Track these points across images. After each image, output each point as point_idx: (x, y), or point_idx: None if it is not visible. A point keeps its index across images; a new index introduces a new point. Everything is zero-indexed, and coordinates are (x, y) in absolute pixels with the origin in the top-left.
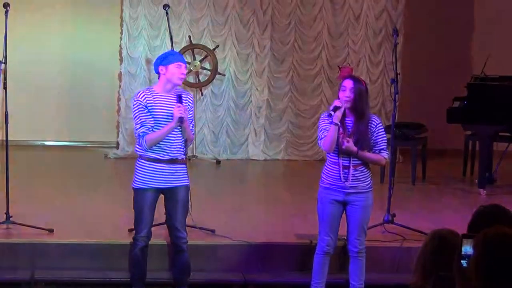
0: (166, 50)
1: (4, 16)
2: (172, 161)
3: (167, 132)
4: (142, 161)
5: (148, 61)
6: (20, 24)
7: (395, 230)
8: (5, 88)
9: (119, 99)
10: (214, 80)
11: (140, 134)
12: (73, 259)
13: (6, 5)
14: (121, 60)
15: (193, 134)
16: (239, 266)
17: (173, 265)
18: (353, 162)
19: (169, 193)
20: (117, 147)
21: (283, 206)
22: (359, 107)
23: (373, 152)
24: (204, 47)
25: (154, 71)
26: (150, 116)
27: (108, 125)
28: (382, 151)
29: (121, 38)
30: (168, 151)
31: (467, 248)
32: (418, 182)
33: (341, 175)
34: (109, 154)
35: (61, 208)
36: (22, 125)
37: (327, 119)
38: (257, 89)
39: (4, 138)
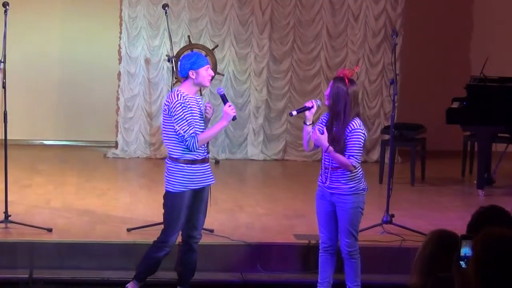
0: (166, 50)
1: (4, 15)
2: (204, 160)
3: (219, 131)
4: (181, 164)
5: (147, 61)
6: (19, 23)
7: (394, 231)
8: (4, 87)
9: (118, 99)
10: (213, 80)
11: (192, 135)
12: (72, 259)
13: (5, 4)
14: (120, 59)
15: None
16: (238, 266)
17: (181, 264)
18: (333, 163)
19: (199, 192)
20: (116, 146)
21: (282, 206)
22: (335, 107)
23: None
24: (203, 47)
25: (180, 74)
26: (191, 117)
27: (107, 124)
28: (350, 156)
29: (120, 38)
30: (201, 151)
31: (466, 249)
32: (417, 183)
33: (323, 176)
34: (108, 154)
35: (60, 207)
36: (21, 124)
37: (322, 118)
38: (256, 89)
39: (3, 138)
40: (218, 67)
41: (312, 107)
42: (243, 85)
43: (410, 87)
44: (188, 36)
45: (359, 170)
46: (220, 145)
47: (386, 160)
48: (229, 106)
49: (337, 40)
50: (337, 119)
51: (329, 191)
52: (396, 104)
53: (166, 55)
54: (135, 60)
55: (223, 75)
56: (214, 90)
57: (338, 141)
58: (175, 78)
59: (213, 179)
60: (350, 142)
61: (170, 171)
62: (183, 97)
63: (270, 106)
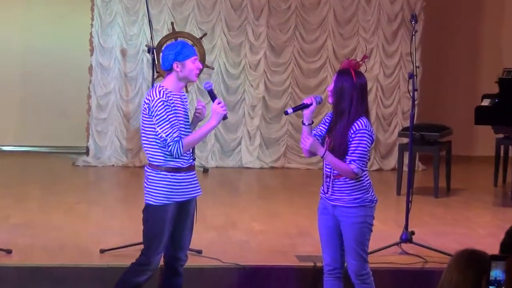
0: (146, 39)
1: None
2: (190, 168)
3: (208, 134)
4: (163, 173)
5: (123, 52)
6: None
7: (414, 251)
8: None
9: (89, 97)
10: (201, 75)
11: (175, 139)
12: (35, 285)
13: None
14: (91, 50)
15: None
16: None
17: None
18: (334, 171)
19: (185, 206)
20: (87, 153)
21: (282, 222)
22: (339, 105)
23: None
24: (189, 36)
25: (162, 67)
26: (175, 118)
27: (76, 127)
28: (352, 162)
29: (91, 25)
30: (187, 158)
31: (498, 272)
32: (441, 194)
33: (324, 185)
34: (77, 162)
35: (21, 224)
36: None
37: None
38: (251, 84)
39: None
40: (206, 59)
41: (311, 104)
42: (236, 80)
43: (433, 81)
44: (172, 23)
45: (366, 178)
46: (209, 150)
47: (405, 168)
48: (219, 103)
49: (346, 27)
50: (341, 119)
51: (331, 203)
52: (416, 102)
53: (146, 45)
54: (109, 51)
55: (213, 68)
56: (201, 86)
57: (340, 145)
58: (157, 72)
59: (199, 190)
60: (353, 145)
61: (150, 181)
62: (166, 94)
63: (268, 104)
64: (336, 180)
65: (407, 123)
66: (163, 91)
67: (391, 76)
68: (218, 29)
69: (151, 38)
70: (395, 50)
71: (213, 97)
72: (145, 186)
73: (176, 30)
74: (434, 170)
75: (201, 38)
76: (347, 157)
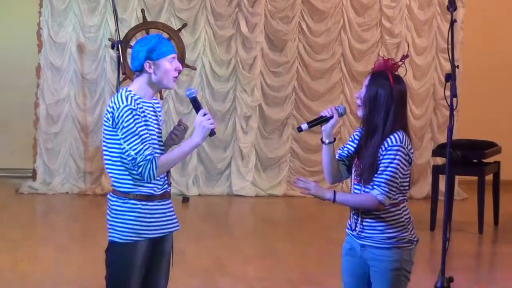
0: (109, 32)
1: None
2: (164, 195)
3: (189, 153)
4: (132, 201)
5: (80, 48)
6: None
7: None
8: None
9: (36, 105)
10: (180, 76)
11: (147, 157)
12: None
13: None
14: (40, 46)
15: None
16: None
17: None
18: None
19: (159, 244)
20: (34, 177)
21: (284, 266)
22: (372, 118)
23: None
24: (164, 27)
25: (132, 67)
26: (147, 131)
27: (20, 144)
28: (375, 187)
29: (40, 13)
30: (161, 182)
31: None
32: (487, 230)
33: (351, 220)
34: (21, 188)
35: None
36: None
37: (352, 135)
38: (244, 89)
39: None
40: (187, 56)
41: (332, 117)
42: (225, 84)
43: (476, 85)
44: (142, 11)
45: (404, 212)
46: (190, 174)
47: (441, 196)
48: (204, 114)
49: (365, 15)
50: (373, 136)
51: (360, 241)
52: (455, 111)
53: (109, 39)
54: (62, 46)
55: (195, 68)
56: (180, 92)
57: (369, 168)
58: (123, 74)
59: (177, 224)
60: (381, 165)
61: (115, 212)
62: (135, 100)
63: (266, 115)
64: (366, 214)
65: (442, 139)
66: (131, 96)
67: (422, 79)
68: (202, 18)
69: (116, 30)
70: (427, 46)
71: (197, 107)
72: (109, 219)
73: (148, 19)
74: (479, 199)
75: (179, 30)
76: (373, 180)
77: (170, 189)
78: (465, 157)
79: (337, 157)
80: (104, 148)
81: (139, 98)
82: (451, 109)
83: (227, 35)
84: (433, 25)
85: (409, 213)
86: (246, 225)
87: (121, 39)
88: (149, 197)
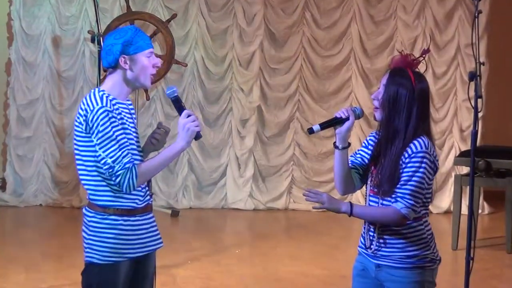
0: (89, 23)
1: None
2: (146, 209)
3: (172, 160)
4: (113, 217)
5: (56, 42)
6: None
7: None
8: None
9: (6, 106)
10: (168, 74)
11: (126, 165)
12: None
13: None
14: (10, 39)
15: None
16: None
17: None
18: None
19: (142, 263)
20: (3, 187)
21: None
22: (391, 121)
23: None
24: (150, 18)
25: (104, 63)
26: (125, 136)
27: None
28: (398, 199)
29: (10, 2)
30: (142, 194)
31: None
32: None
33: (366, 236)
34: None
35: None
36: None
37: (367, 141)
38: (241, 89)
39: None
40: (177, 51)
41: (348, 118)
42: (220, 83)
43: (504, 85)
44: (126, 0)
45: (426, 228)
46: (180, 184)
47: (464, 210)
48: (188, 116)
49: (379, 6)
50: (393, 141)
51: (375, 261)
52: (480, 114)
53: (89, 32)
54: (35, 40)
55: (185, 65)
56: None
57: (390, 178)
58: (104, 71)
59: (160, 241)
60: (405, 174)
61: (93, 229)
62: (110, 101)
63: (265, 118)
64: (384, 230)
65: (465, 146)
66: (106, 97)
67: (443, 77)
68: (194, 8)
69: (97, 21)
70: (449, 40)
71: (179, 107)
72: (85, 237)
73: (133, 9)
74: (507, 214)
75: (168, 21)
76: (395, 191)
77: (152, 201)
78: (491, 166)
79: (349, 165)
80: (77, 156)
81: (114, 98)
82: (476, 111)
83: (222, 28)
84: (455, 17)
85: (431, 229)
86: (242, 242)
87: (102, 32)
88: (131, 211)
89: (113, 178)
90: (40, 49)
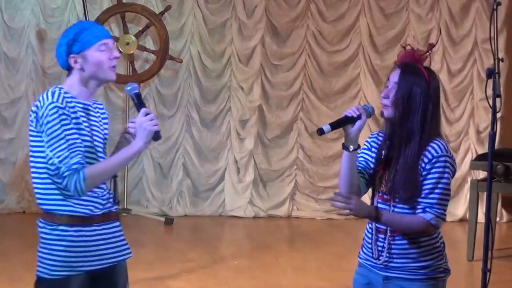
0: (76, 15)
1: None
2: (108, 216)
3: (129, 161)
4: (62, 227)
5: (40, 35)
6: None
7: None
8: None
9: None
10: (162, 71)
11: (73, 167)
12: None
13: None
14: None
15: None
16: None
17: None
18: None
19: (105, 277)
20: None
21: None
22: (405, 121)
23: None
24: (142, 10)
25: (60, 65)
26: (77, 134)
27: None
28: (427, 209)
29: None
30: (98, 200)
31: None
32: None
33: (373, 246)
34: None
35: None
36: None
37: (369, 143)
38: (241, 87)
39: None
40: (172, 46)
41: (359, 117)
42: (218, 80)
43: None
44: None
45: (439, 235)
46: (174, 190)
47: (481, 218)
48: (146, 114)
49: None
50: (407, 143)
51: (384, 273)
52: (499, 115)
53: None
54: (18, 33)
55: (180, 61)
56: (164, 89)
57: (406, 184)
58: None
59: (127, 252)
60: (429, 181)
61: (43, 240)
62: (64, 98)
63: (267, 118)
64: (397, 237)
65: (482, 149)
66: (60, 94)
67: (459, 75)
68: (190, 0)
69: (85, 13)
70: (465, 34)
71: (139, 105)
72: (38, 250)
73: (124, 1)
74: None
75: (162, 13)
76: (420, 201)
77: (117, 209)
78: (510, 170)
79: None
80: (31, 158)
81: (73, 97)
82: (494, 112)
83: (220, 21)
84: (472, 9)
85: (442, 238)
86: (241, 253)
87: None
88: (85, 220)
89: (60, 180)
90: (24, 44)
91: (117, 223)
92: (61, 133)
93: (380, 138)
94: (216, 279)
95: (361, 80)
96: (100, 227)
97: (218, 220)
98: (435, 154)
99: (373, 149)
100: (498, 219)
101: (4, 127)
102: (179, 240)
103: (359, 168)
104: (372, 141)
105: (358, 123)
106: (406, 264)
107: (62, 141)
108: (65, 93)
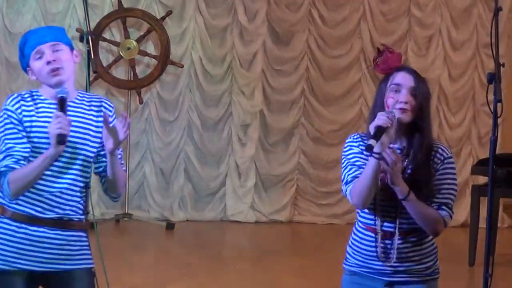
0: (78, 21)
1: None
2: (62, 223)
3: (43, 166)
4: (6, 220)
5: None
6: None
7: None
8: None
9: None
10: (164, 75)
11: (1, 169)
12: None
13: None
14: None
15: (124, 172)
16: None
17: None
18: (402, 225)
19: (55, 282)
20: None
21: None
22: (423, 122)
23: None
24: (143, 15)
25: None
26: (25, 139)
27: None
28: (442, 207)
29: None
30: (54, 204)
31: None
32: None
33: (378, 249)
34: None
35: None
36: None
37: (358, 147)
38: (242, 92)
39: None
40: (173, 51)
41: (391, 125)
42: (219, 85)
43: None
44: None
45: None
46: (175, 195)
47: (482, 223)
48: (57, 117)
49: (391, 2)
50: (423, 145)
51: (387, 278)
52: (500, 120)
53: (77, 30)
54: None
55: (182, 66)
56: (165, 94)
57: (427, 184)
58: (94, 72)
59: (85, 262)
60: (444, 182)
61: None
62: (21, 101)
63: (268, 123)
64: (402, 241)
65: (484, 153)
66: (17, 98)
67: (459, 80)
68: (191, 4)
69: (86, 18)
70: (467, 39)
71: (58, 109)
72: None
73: (125, 6)
74: None
75: (163, 18)
76: (434, 199)
77: (80, 219)
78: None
79: (355, 180)
80: None
81: (42, 99)
82: (495, 117)
83: (222, 25)
84: (474, 14)
85: None
86: (243, 258)
87: (92, 30)
88: (32, 219)
89: None
90: None
91: (79, 233)
92: (2, 136)
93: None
94: (218, 284)
95: (362, 85)
96: (52, 231)
97: (219, 225)
98: (445, 155)
99: (365, 153)
100: (499, 224)
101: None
102: (180, 245)
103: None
104: (359, 145)
105: (391, 130)
106: (410, 267)
107: (3, 143)
108: (32, 94)
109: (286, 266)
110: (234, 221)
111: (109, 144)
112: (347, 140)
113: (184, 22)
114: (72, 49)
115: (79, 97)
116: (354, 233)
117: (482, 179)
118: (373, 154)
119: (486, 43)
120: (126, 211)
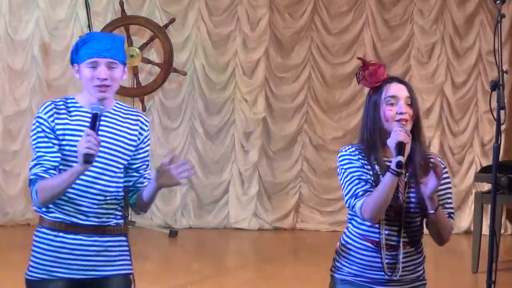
0: (81, 28)
1: None
2: (99, 229)
3: (70, 181)
4: (44, 230)
5: (45, 48)
6: None
7: None
8: None
9: None
10: (167, 83)
11: (31, 177)
12: None
13: None
14: None
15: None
16: None
17: None
18: (405, 238)
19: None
20: None
21: None
22: (419, 130)
23: None
24: (146, 23)
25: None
26: (56, 148)
27: None
28: (452, 215)
29: None
30: (90, 212)
31: None
32: None
33: (383, 263)
34: None
35: None
36: None
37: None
38: (245, 99)
39: None
40: (176, 59)
41: (409, 139)
42: (222, 93)
43: None
44: (121, 3)
45: None
46: (178, 202)
47: (485, 230)
48: (87, 136)
49: (393, 10)
50: (419, 152)
51: (383, 287)
52: (503, 127)
53: (80, 38)
54: (22, 46)
55: (185, 73)
56: (168, 102)
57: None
58: None
59: (124, 268)
60: (447, 191)
61: (33, 241)
62: (54, 109)
63: (271, 130)
64: (406, 254)
65: (487, 161)
66: (51, 106)
67: (463, 87)
68: (194, 12)
69: (89, 26)
70: (470, 47)
71: (91, 126)
72: None
73: (128, 13)
74: None
75: (166, 26)
76: (444, 210)
77: (118, 223)
78: None
79: (366, 194)
80: None
81: (77, 106)
82: (498, 124)
83: (224, 33)
84: (477, 22)
85: None
86: (246, 265)
87: None
88: (68, 227)
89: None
90: (28, 56)
91: (118, 238)
92: (35, 143)
93: (363, 154)
94: None
95: (365, 93)
96: (89, 238)
97: (222, 232)
98: (443, 164)
99: (365, 167)
100: (502, 231)
101: (9, 140)
102: (183, 252)
103: (371, 186)
104: (358, 158)
105: (408, 145)
106: (405, 277)
107: (34, 152)
108: (67, 102)
109: (290, 273)
110: (237, 228)
111: (161, 181)
112: (342, 153)
113: (187, 29)
114: (124, 65)
115: (115, 108)
116: (347, 242)
117: (485, 186)
118: (398, 171)
119: (489, 51)
120: (129, 219)
